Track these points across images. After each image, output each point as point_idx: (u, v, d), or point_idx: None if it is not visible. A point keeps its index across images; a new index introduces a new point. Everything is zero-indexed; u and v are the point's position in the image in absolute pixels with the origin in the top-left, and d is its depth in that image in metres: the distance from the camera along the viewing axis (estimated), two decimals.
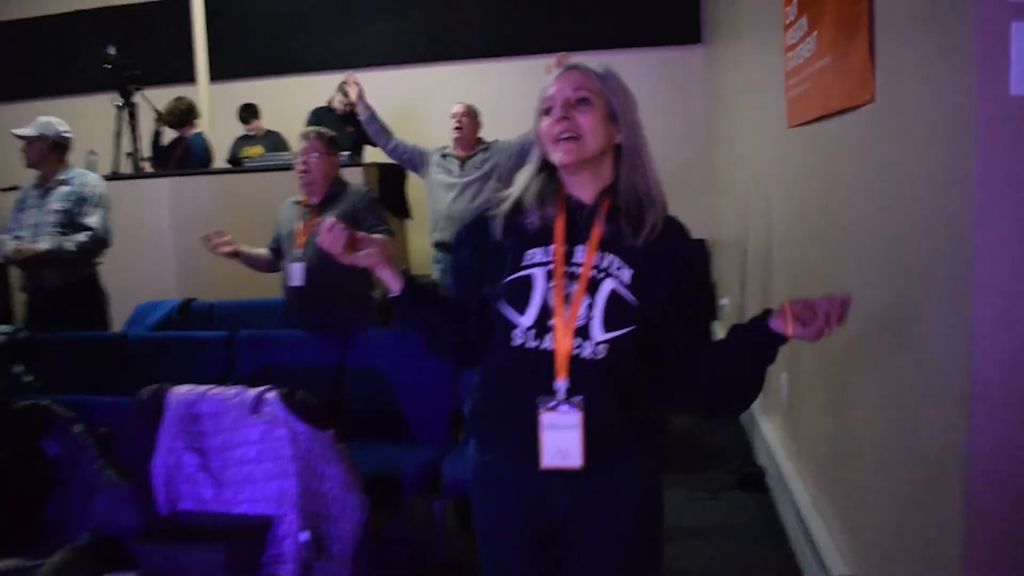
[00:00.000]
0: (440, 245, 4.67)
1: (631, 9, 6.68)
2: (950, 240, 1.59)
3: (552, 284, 1.51)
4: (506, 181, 4.48)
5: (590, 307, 1.50)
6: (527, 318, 1.51)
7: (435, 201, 4.69)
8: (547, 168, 1.59)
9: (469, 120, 4.65)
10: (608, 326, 1.49)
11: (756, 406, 4.21)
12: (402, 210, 5.94)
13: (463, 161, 4.62)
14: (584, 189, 1.57)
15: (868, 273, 2.13)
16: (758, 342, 1.46)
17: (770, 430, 3.74)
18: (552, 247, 1.54)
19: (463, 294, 1.65)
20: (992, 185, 1.48)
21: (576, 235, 1.55)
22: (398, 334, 3.89)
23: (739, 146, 4.79)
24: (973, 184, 1.49)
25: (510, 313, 1.53)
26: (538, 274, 1.53)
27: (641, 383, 1.56)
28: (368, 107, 4.66)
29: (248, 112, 6.62)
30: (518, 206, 1.60)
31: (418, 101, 6.80)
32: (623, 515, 1.59)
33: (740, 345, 1.49)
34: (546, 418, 1.50)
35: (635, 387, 1.55)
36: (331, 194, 3.62)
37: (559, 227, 1.55)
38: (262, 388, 2.37)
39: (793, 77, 3.08)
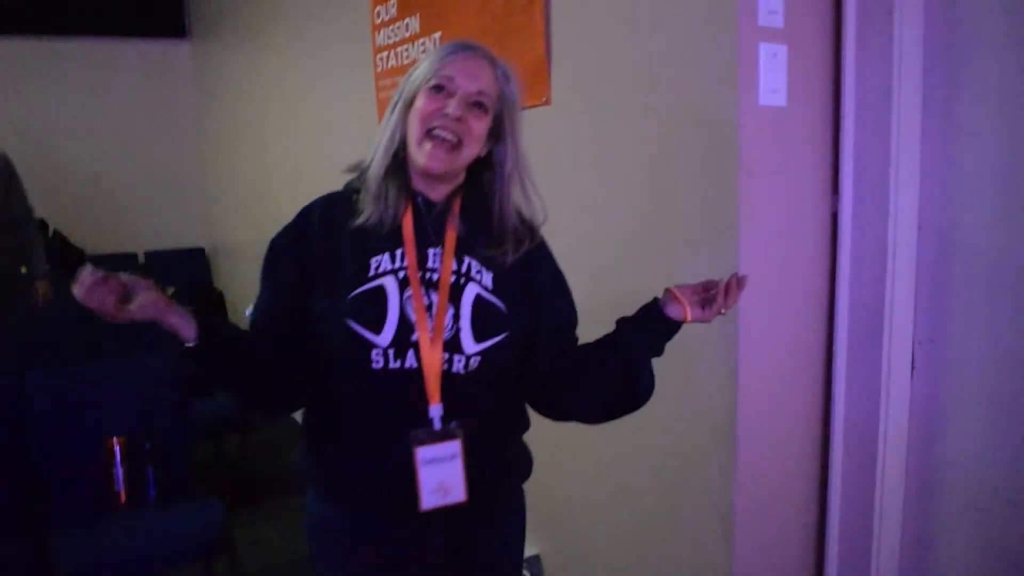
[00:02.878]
0: None
1: None
2: (712, 236, 1.77)
3: (409, 294, 1.25)
4: None
5: (456, 317, 1.27)
6: (384, 336, 1.24)
7: None
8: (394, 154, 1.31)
9: None
10: (479, 335, 1.28)
11: None
12: None
13: None
14: (435, 188, 1.32)
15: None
16: (657, 333, 1.33)
17: None
18: (401, 251, 1.28)
19: (286, 319, 1.28)
20: (753, 188, 1.69)
21: (426, 238, 1.30)
22: None
23: (278, 149, 4.55)
24: (737, 188, 1.68)
25: (363, 332, 1.24)
26: (389, 283, 1.25)
27: (515, 403, 1.39)
28: None
29: None
30: (352, 203, 1.30)
31: None
32: (505, 556, 1.42)
33: (635, 338, 1.34)
34: (422, 452, 1.24)
35: (510, 408, 1.38)
36: None
37: (408, 228, 1.29)
38: None
39: (388, 79, 3.06)
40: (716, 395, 1.78)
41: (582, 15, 2.09)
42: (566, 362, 1.37)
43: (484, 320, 1.29)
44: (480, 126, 1.27)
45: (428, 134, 1.25)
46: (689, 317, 1.32)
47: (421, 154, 1.26)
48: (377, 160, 1.29)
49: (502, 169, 1.33)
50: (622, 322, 1.38)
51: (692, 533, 1.90)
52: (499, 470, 1.37)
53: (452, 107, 1.24)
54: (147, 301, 1.15)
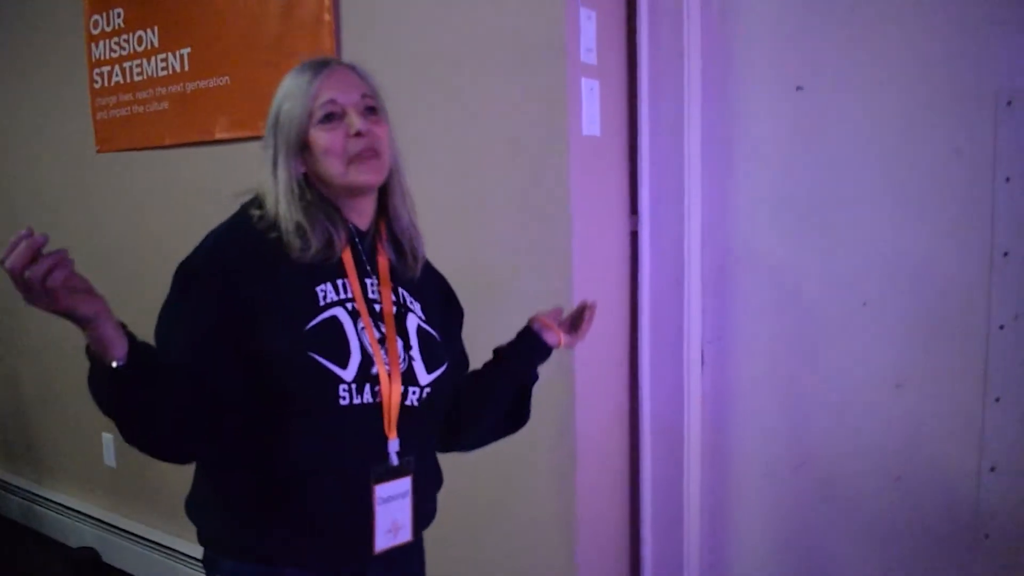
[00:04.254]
0: None
1: None
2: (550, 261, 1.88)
3: (362, 325, 1.19)
4: None
5: (406, 347, 1.24)
6: (350, 370, 1.16)
7: None
8: (305, 186, 1.22)
9: None
10: (429, 366, 1.26)
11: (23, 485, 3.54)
12: None
13: None
14: (363, 214, 1.27)
15: None
16: (538, 360, 1.43)
17: (84, 503, 3.23)
18: (343, 282, 1.21)
19: (211, 357, 1.13)
20: (581, 213, 1.84)
21: (363, 268, 1.25)
22: None
23: None
24: (571, 215, 1.82)
25: (329, 365, 1.15)
26: (341, 315, 1.18)
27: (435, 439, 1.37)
28: None
29: None
30: (279, 234, 1.19)
31: None
32: None
33: (524, 366, 1.42)
34: (380, 490, 1.18)
35: (434, 443, 1.36)
36: None
37: (348, 258, 1.23)
38: None
39: (112, 96, 2.74)
40: (557, 400, 1.90)
41: (387, 47, 2.09)
42: (468, 393, 1.41)
43: (430, 350, 1.27)
44: (383, 129, 1.23)
45: (351, 162, 1.20)
46: (563, 343, 1.44)
47: (354, 176, 1.20)
48: (285, 210, 1.20)
49: (397, 170, 1.30)
50: (507, 351, 1.44)
51: (535, 518, 2.00)
52: (428, 509, 1.34)
53: (356, 124, 1.19)
54: (88, 290, 0.95)
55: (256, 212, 1.22)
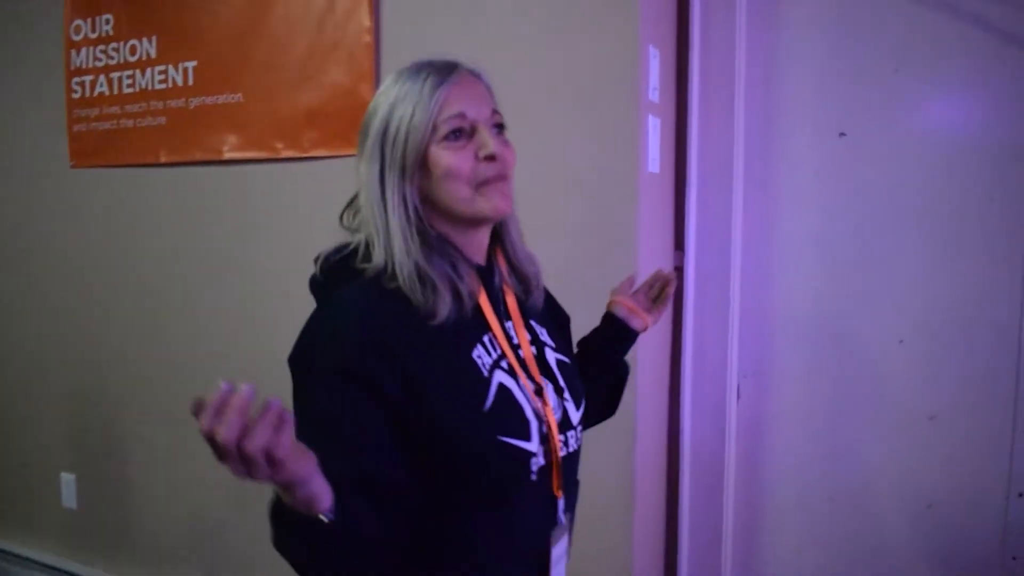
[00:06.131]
0: None
1: None
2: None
3: (521, 383, 1.04)
4: None
5: (558, 391, 1.11)
6: (534, 441, 1.03)
7: None
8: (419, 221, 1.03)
9: None
10: (577, 401, 1.14)
11: None
12: None
13: None
14: (479, 249, 1.10)
15: None
16: (625, 348, 1.36)
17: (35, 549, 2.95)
18: (489, 336, 1.05)
19: (387, 461, 0.94)
20: (643, 241, 1.86)
21: (499, 313, 1.09)
22: None
23: None
24: (636, 250, 1.83)
25: (517, 443, 1.01)
26: (505, 379, 1.03)
27: None
28: None
29: None
30: (402, 297, 0.99)
31: None
32: None
33: (619, 357, 1.36)
34: (555, 552, 1.09)
35: None
36: None
37: (487, 307, 1.06)
38: None
39: (94, 108, 2.56)
40: (615, 434, 1.89)
41: None
42: None
43: (573, 384, 1.18)
44: (512, 152, 1.05)
45: (479, 187, 1.02)
46: (651, 323, 1.39)
47: (482, 204, 1.02)
48: (400, 249, 1.00)
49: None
50: (595, 344, 1.36)
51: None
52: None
53: (490, 145, 1.01)
54: (301, 452, 0.73)
55: (387, 278, 1.00)
